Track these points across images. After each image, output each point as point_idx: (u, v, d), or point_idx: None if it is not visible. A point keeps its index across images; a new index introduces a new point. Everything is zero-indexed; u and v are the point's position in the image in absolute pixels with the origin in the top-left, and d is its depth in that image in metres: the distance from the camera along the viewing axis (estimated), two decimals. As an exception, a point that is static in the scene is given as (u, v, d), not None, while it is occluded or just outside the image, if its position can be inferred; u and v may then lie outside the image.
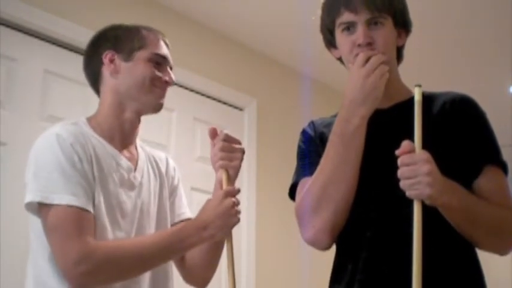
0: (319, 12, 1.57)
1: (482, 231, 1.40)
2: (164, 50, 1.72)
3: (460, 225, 1.38)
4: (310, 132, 1.62)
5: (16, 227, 2.33)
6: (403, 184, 1.30)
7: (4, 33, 2.62)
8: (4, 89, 2.59)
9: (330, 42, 1.57)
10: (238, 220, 1.61)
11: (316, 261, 3.65)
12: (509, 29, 3.41)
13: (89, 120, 1.69)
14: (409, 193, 1.30)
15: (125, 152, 1.69)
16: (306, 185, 1.50)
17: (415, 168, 1.29)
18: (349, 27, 1.48)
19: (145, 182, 1.70)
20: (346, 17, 1.47)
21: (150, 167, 1.75)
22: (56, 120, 2.49)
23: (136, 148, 1.75)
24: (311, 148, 1.59)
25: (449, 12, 3.34)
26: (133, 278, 1.56)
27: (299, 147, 1.64)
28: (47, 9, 2.75)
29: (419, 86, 1.36)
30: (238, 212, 1.61)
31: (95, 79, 1.72)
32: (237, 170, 1.69)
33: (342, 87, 4.15)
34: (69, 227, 1.46)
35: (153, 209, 1.70)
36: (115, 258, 1.49)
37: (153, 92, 1.68)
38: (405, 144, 1.31)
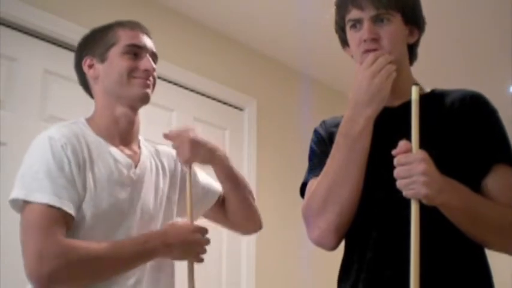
0: (333, 11, 1.57)
1: (487, 231, 1.38)
2: (140, 39, 1.69)
3: (462, 225, 1.36)
4: (321, 132, 1.62)
5: (16, 227, 2.32)
6: (399, 184, 1.30)
7: (4, 33, 2.63)
8: (4, 89, 2.59)
9: (344, 41, 1.57)
10: (201, 260, 1.66)
11: (316, 260, 3.66)
12: (509, 29, 3.41)
13: (88, 120, 1.70)
14: (405, 193, 1.30)
15: (126, 149, 1.69)
16: (314, 184, 1.50)
17: (411, 168, 1.28)
18: (357, 24, 1.48)
19: (148, 179, 1.69)
20: (353, 13, 1.48)
21: (154, 163, 1.75)
22: (56, 120, 2.50)
23: (139, 146, 1.74)
24: (321, 148, 1.58)
25: (449, 12, 3.34)
26: (106, 279, 1.54)
27: (310, 146, 1.63)
28: (47, 9, 2.76)
29: (417, 84, 1.35)
30: (203, 252, 1.65)
31: (85, 86, 1.75)
32: (191, 159, 1.71)
33: (342, 87, 4.13)
34: (46, 225, 1.47)
35: (157, 206, 1.69)
36: (86, 259, 1.47)
37: (134, 83, 1.66)
38: (402, 144, 1.31)
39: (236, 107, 3.68)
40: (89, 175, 1.56)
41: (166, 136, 1.74)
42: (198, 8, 3.35)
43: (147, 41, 1.71)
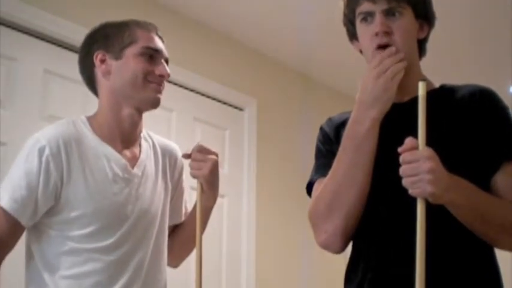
0: (341, 4, 1.56)
1: (495, 229, 1.36)
2: (156, 43, 1.68)
3: (470, 223, 1.34)
4: (327, 129, 1.59)
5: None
6: (405, 182, 1.28)
7: (4, 33, 2.62)
8: (4, 89, 2.59)
9: (353, 34, 1.55)
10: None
11: (316, 260, 3.66)
12: (509, 29, 3.41)
13: (89, 119, 1.68)
14: (411, 191, 1.27)
15: (126, 151, 1.68)
16: (320, 186, 1.48)
17: (417, 166, 1.26)
18: (368, 17, 1.46)
19: (145, 180, 1.68)
20: (364, 6, 1.46)
21: (153, 162, 1.73)
22: (56, 120, 2.48)
23: (140, 145, 1.72)
24: (326, 147, 1.56)
25: (449, 12, 3.34)
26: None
27: (316, 145, 1.61)
28: (47, 9, 2.76)
29: (424, 80, 1.33)
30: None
31: (90, 81, 1.71)
32: (206, 178, 1.68)
33: (342, 87, 4.13)
34: None
35: (155, 205, 1.69)
36: None
37: (148, 87, 1.65)
38: (408, 141, 1.28)
39: (236, 107, 3.67)
40: (77, 178, 1.57)
41: (186, 156, 1.72)
42: (198, 8, 3.34)
43: (162, 46, 1.70)
